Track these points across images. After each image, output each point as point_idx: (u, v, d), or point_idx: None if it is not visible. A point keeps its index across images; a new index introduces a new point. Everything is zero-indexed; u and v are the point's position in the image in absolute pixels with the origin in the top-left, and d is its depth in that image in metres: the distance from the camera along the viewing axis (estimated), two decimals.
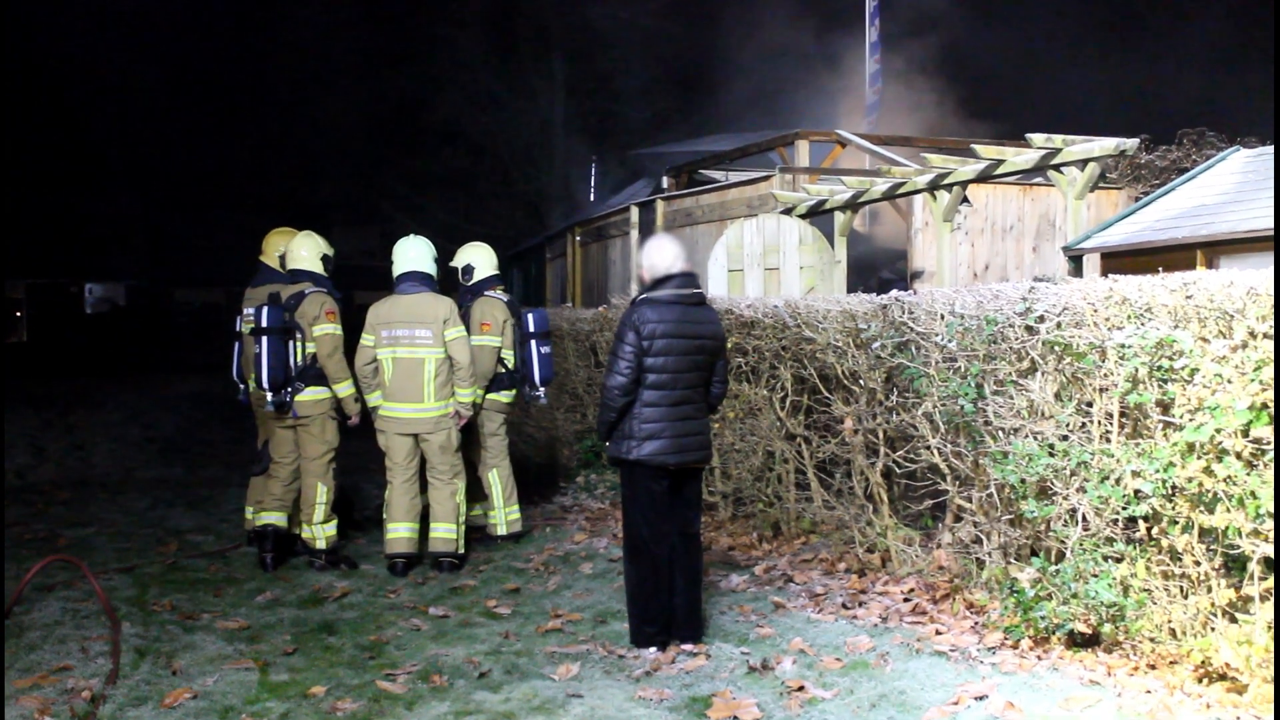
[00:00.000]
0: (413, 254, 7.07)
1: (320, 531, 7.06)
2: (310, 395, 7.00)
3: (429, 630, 5.64)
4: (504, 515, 7.65)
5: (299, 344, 6.95)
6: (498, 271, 7.89)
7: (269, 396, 6.88)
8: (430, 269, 7.09)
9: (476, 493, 7.67)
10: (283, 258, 7.38)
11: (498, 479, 7.68)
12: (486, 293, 7.73)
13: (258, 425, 7.67)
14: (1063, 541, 4.69)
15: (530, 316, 7.77)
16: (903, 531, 6.11)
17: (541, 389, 7.79)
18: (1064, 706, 4.12)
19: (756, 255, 10.74)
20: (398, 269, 7.06)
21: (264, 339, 6.80)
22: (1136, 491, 4.34)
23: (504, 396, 7.73)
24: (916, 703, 4.30)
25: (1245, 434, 3.92)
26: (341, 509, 7.46)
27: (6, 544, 7.42)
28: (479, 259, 7.82)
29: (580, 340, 10.01)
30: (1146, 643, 4.40)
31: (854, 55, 19.48)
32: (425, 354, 6.85)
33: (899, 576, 5.89)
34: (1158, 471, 4.21)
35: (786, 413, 6.88)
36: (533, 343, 7.73)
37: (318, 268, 7.18)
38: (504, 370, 7.71)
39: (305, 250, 7.19)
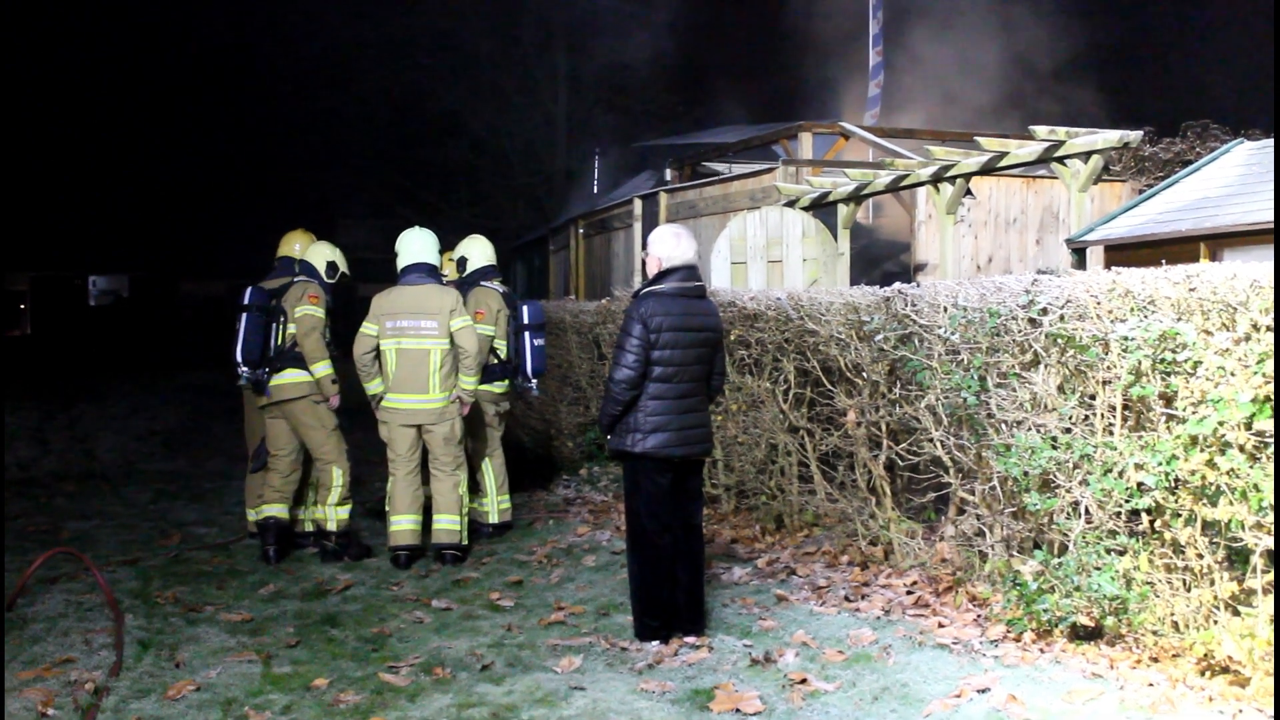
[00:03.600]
0: (416, 246, 7.10)
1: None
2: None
3: (431, 623, 5.64)
4: (495, 504, 7.71)
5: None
6: (493, 263, 7.97)
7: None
8: (435, 260, 7.15)
9: (476, 485, 7.71)
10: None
11: (490, 468, 7.74)
12: (482, 283, 7.80)
13: (245, 424, 7.73)
14: (1065, 534, 4.68)
15: (525, 308, 7.84)
16: (905, 524, 6.10)
17: (533, 380, 7.85)
18: (1066, 699, 4.12)
19: (759, 248, 10.73)
20: (402, 261, 7.09)
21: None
22: (1139, 484, 4.34)
23: (497, 387, 7.77)
24: (919, 695, 4.30)
25: (1248, 427, 3.91)
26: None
27: (9, 537, 7.44)
28: (473, 251, 7.95)
29: (583, 333, 10.01)
30: (1149, 635, 4.40)
31: (858, 47, 19.43)
32: (431, 345, 6.86)
33: (902, 569, 5.89)
34: (1160, 464, 4.21)
35: (789, 405, 6.87)
36: (526, 334, 7.78)
37: (320, 268, 7.40)
38: (497, 361, 7.75)
39: (314, 251, 7.47)
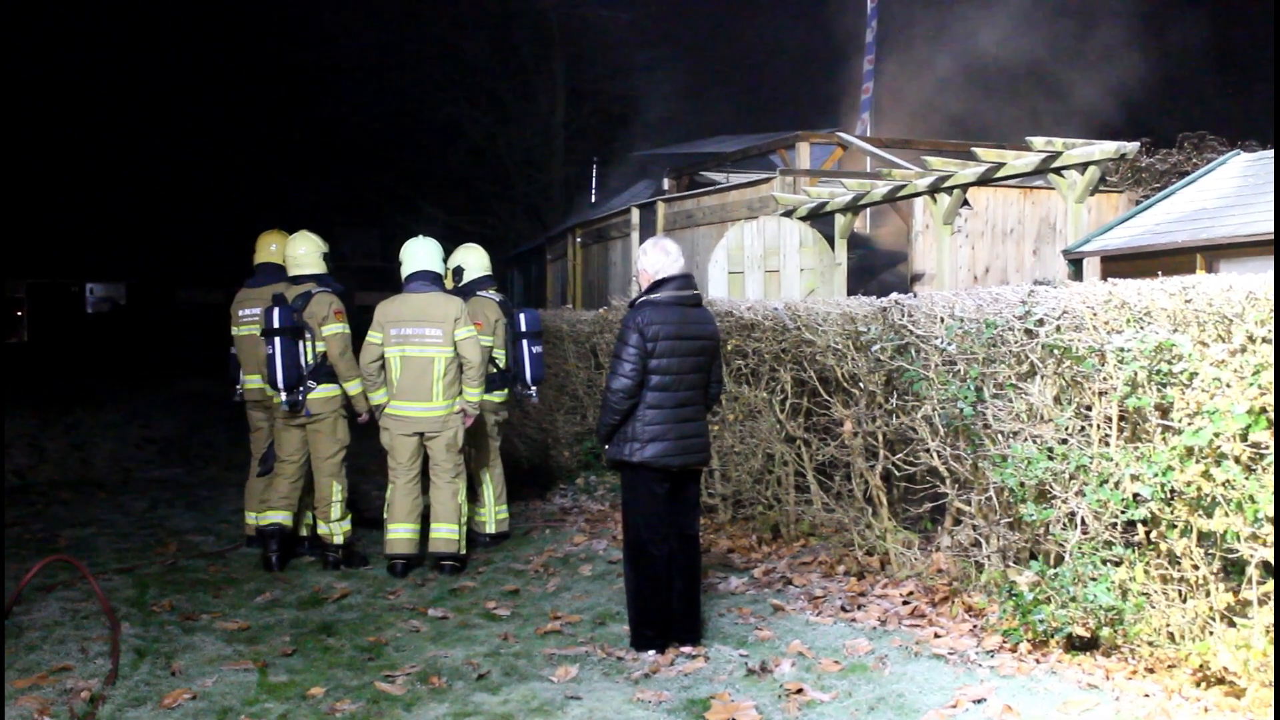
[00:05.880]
0: (421, 254, 7.11)
1: (337, 528, 7.12)
2: (322, 393, 7.06)
3: (428, 631, 5.64)
4: (493, 513, 7.71)
5: (309, 344, 7.00)
6: (490, 272, 7.97)
7: (283, 396, 6.91)
8: (439, 269, 7.17)
9: (474, 495, 7.71)
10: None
11: (489, 478, 7.74)
12: (479, 293, 7.80)
13: (251, 426, 7.70)
14: (1061, 545, 4.69)
15: (522, 316, 7.85)
16: (902, 534, 6.11)
17: (533, 388, 7.86)
18: (1062, 710, 4.12)
19: (757, 257, 10.74)
20: (407, 269, 7.10)
21: (276, 340, 6.87)
22: (1135, 495, 4.35)
23: (496, 396, 7.77)
24: (914, 706, 4.30)
25: (1244, 438, 3.92)
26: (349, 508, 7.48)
27: (6, 544, 7.43)
28: (470, 260, 7.91)
29: (580, 342, 10.02)
30: (1145, 646, 4.41)
31: (856, 56, 19.46)
32: (435, 353, 6.87)
33: (898, 579, 5.89)
34: (1156, 475, 4.21)
35: (786, 415, 6.88)
36: (524, 342, 7.79)
37: (320, 267, 7.25)
38: (496, 370, 7.75)
39: (303, 250, 7.25)
